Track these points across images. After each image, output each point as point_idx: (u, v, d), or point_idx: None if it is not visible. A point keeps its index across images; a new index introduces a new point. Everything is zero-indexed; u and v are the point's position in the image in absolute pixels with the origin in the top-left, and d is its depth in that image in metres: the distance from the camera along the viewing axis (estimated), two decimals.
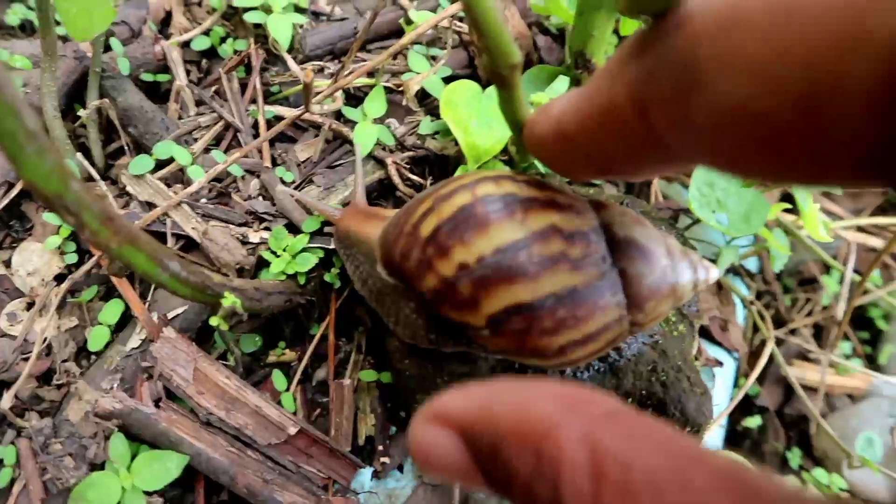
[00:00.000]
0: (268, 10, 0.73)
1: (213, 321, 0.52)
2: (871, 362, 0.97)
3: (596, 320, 0.32)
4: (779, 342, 0.89)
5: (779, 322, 0.93)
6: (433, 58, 0.75)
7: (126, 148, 0.67)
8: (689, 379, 0.54)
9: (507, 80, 0.35)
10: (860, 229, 0.88)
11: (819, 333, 0.97)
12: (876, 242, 0.85)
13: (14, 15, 0.76)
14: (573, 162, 0.29)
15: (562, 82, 0.68)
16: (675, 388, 0.52)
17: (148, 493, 0.54)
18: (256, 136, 0.69)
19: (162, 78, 0.71)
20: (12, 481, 0.52)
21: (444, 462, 0.22)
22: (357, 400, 0.64)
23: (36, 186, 0.37)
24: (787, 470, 0.83)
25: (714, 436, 0.80)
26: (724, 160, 0.21)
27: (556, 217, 0.32)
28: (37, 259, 0.62)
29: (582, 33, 0.68)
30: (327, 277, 0.65)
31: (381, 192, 0.72)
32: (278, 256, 0.61)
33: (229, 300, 0.51)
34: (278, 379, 0.63)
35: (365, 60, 0.74)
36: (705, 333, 0.80)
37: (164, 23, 0.77)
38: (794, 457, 0.84)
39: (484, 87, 0.67)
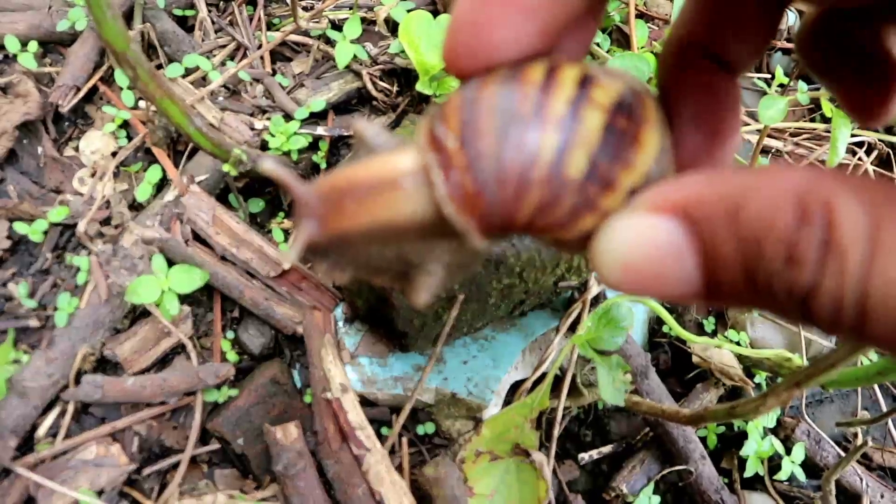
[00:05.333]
0: None
1: (225, 167, 0.72)
2: None
3: None
4: None
5: None
6: None
7: (163, 63, 0.87)
8: None
9: None
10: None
11: None
12: (777, 144, 1.02)
13: None
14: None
15: None
16: None
17: (180, 298, 0.74)
18: (262, 55, 0.89)
19: (189, 13, 0.92)
20: (86, 284, 0.73)
21: (667, 258, 0.19)
22: None
23: (110, 43, 0.58)
24: (703, 332, 1.00)
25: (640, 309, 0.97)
26: None
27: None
28: (97, 141, 0.83)
29: None
30: (315, 158, 0.85)
31: (360, 100, 0.91)
32: (275, 137, 0.81)
33: (237, 151, 0.71)
34: (277, 233, 0.83)
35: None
36: None
37: None
38: (709, 324, 1.01)
39: (434, 16, 0.86)
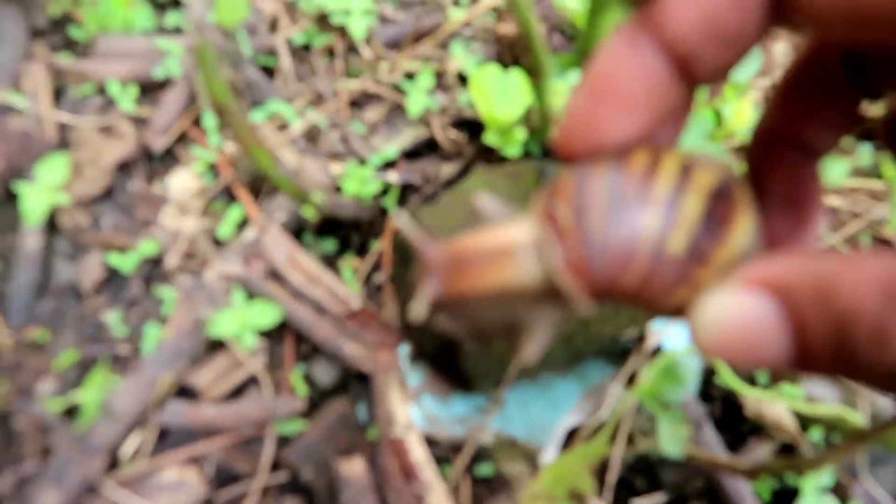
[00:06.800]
0: (348, 13, 0.99)
1: (304, 211, 0.76)
2: None
3: None
4: None
5: None
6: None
7: (247, 109, 0.93)
8: None
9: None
10: None
11: None
12: (837, 202, 1.03)
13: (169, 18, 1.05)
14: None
15: (575, 73, 0.90)
16: None
17: (256, 332, 0.78)
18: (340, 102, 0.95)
19: (272, 62, 0.98)
20: (170, 315, 0.78)
21: (761, 331, 0.20)
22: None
23: (216, 97, 0.63)
24: (754, 384, 1.00)
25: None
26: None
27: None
28: (185, 180, 0.88)
29: (591, 34, 0.89)
30: (384, 203, 0.89)
31: (429, 148, 0.96)
32: (350, 182, 0.86)
33: (317, 197, 0.76)
34: (347, 274, 0.87)
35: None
36: None
37: (273, 24, 1.05)
38: (763, 375, 1.01)
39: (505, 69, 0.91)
